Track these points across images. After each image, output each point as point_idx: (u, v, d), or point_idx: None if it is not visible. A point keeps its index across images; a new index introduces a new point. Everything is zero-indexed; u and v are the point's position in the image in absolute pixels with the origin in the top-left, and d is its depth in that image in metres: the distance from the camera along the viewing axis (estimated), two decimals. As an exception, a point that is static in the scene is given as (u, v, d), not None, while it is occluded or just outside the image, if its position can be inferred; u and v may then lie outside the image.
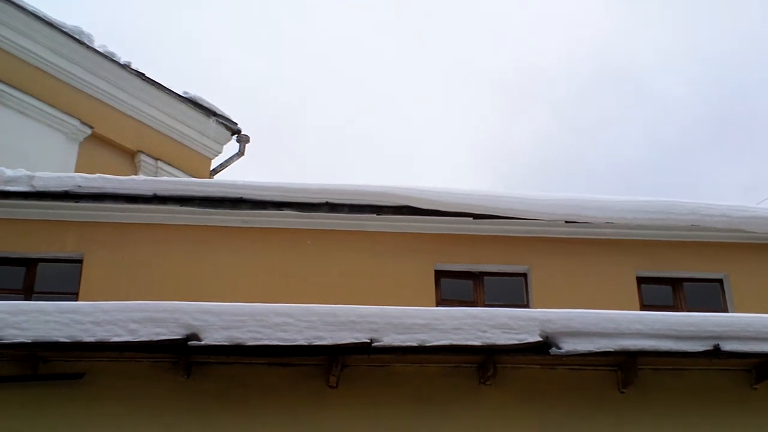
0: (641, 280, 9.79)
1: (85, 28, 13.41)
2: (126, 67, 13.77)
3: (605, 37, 41.35)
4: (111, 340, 5.97)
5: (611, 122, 40.01)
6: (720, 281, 9.92)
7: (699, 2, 40.69)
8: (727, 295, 9.82)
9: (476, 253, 9.68)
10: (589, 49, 42.45)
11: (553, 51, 42.33)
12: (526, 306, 9.36)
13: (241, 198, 9.48)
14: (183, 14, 41.33)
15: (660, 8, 40.69)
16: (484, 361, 6.36)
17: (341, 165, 38.99)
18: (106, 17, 33.38)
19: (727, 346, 6.25)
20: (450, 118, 41.68)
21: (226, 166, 15.17)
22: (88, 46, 13.31)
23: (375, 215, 9.61)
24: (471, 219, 9.61)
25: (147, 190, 9.45)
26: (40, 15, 12.79)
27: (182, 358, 6.21)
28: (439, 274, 9.61)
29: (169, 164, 13.97)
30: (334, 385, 6.34)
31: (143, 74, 13.93)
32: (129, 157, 13.71)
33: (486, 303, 9.35)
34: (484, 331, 6.15)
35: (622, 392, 6.55)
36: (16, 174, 9.44)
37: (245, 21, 42.33)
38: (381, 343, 6.04)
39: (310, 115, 41.52)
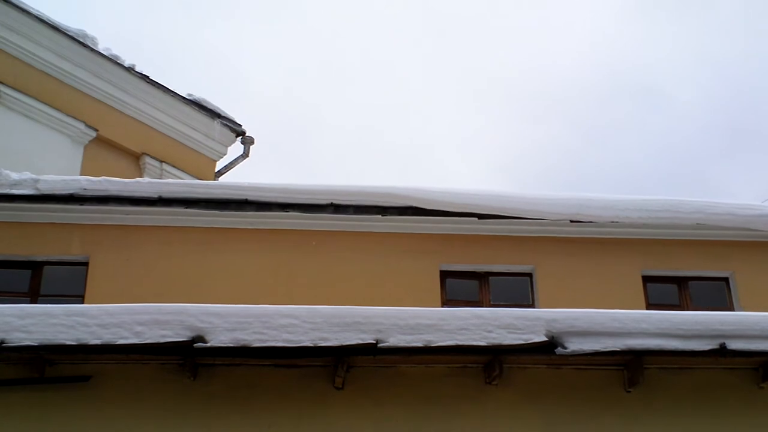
0: (647, 279, 9.77)
1: (89, 31, 13.45)
2: (130, 69, 13.79)
3: (618, 43, 41.27)
4: (117, 343, 5.98)
5: (623, 128, 39.90)
6: (726, 280, 9.90)
7: (713, 9, 40.55)
8: (733, 294, 9.79)
9: (481, 253, 9.68)
10: (601, 54, 42.36)
11: (565, 56, 42.19)
12: (532, 306, 9.36)
13: (246, 200, 9.49)
14: (188, 17, 41.41)
15: (673, 15, 40.60)
16: (490, 362, 6.36)
17: (348, 167, 38.97)
18: (111, 21, 33.44)
19: (734, 345, 6.23)
20: (460, 122, 41.62)
21: (231, 168, 15.17)
22: (92, 49, 13.33)
23: (380, 216, 9.62)
24: (476, 219, 9.61)
25: (152, 192, 9.47)
26: (44, 18, 12.81)
27: (188, 360, 6.21)
28: (445, 275, 9.61)
29: (173, 166, 13.97)
30: (340, 386, 6.34)
31: (147, 77, 13.95)
32: (134, 160, 13.73)
33: (491, 303, 9.35)
34: (490, 332, 6.15)
35: (628, 392, 6.54)
36: (21, 177, 9.46)
37: (252, 23, 42.38)
38: (386, 344, 6.04)
39: (315, 116, 41.56)
